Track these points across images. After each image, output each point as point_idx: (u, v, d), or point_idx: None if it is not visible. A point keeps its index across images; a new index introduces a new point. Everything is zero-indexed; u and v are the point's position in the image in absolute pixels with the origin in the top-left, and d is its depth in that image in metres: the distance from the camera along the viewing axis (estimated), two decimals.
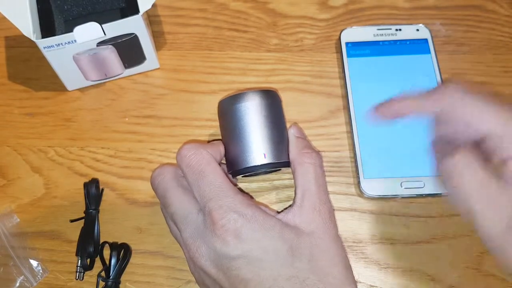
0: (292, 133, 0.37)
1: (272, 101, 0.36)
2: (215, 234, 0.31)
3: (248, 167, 0.35)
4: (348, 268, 0.33)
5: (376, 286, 0.37)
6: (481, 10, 0.49)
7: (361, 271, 0.38)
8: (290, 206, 0.34)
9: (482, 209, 0.28)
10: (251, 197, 0.40)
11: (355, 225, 0.39)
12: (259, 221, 0.31)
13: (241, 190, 0.40)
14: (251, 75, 0.46)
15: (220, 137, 0.39)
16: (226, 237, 0.30)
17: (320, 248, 0.32)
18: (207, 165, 0.33)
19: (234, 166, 0.36)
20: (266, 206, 0.39)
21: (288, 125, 0.38)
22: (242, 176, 0.38)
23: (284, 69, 0.46)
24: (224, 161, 0.37)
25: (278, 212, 0.34)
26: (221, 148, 0.36)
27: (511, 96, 0.44)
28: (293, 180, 0.40)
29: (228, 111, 0.36)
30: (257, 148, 0.35)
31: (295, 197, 0.34)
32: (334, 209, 0.37)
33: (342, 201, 0.40)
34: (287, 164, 0.36)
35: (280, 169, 0.38)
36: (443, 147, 0.32)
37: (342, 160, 0.42)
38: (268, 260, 0.31)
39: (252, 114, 0.36)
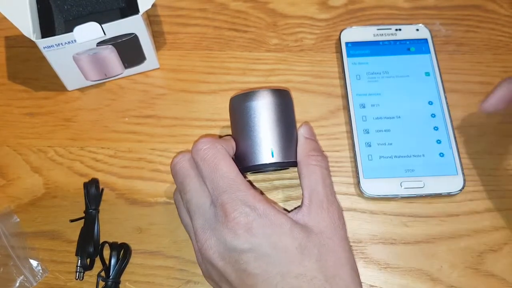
0: (301, 133, 0.37)
1: (283, 100, 0.37)
2: (226, 226, 0.31)
3: (256, 165, 0.35)
4: (355, 270, 0.33)
5: (376, 286, 0.37)
6: (481, 10, 0.49)
7: (361, 271, 0.38)
8: (299, 207, 0.34)
9: None
10: (262, 193, 0.40)
11: (355, 225, 0.39)
12: (270, 217, 0.31)
13: (252, 185, 0.40)
14: (251, 75, 0.46)
15: (220, 136, 0.39)
16: (237, 230, 0.30)
17: (328, 248, 0.32)
18: (221, 159, 0.33)
19: (243, 163, 0.36)
20: (275, 203, 0.40)
21: (298, 124, 0.38)
22: (250, 173, 0.38)
23: (284, 69, 0.46)
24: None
25: (288, 211, 0.34)
26: (233, 144, 0.36)
27: None
28: (293, 181, 0.41)
29: (239, 108, 0.37)
30: (266, 147, 0.35)
31: (303, 198, 0.34)
32: (343, 210, 0.37)
33: (342, 201, 0.40)
34: (295, 164, 0.36)
35: (288, 168, 0.39)
36: None
37: (342, 160, 0.42)
38: (277, 256, 0.31)
39: (263, 112, 0.36)
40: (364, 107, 0.42)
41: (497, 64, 0.46)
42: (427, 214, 0.39)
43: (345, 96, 0.43)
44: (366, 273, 0.38)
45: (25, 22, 0.39)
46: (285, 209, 0.39)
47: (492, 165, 0.41)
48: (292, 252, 0.31)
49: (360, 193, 0.40)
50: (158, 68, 0.46)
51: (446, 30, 0.47)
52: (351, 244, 0.39)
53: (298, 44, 0.47)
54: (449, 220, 0.39)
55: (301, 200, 0.34)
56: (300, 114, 0.44)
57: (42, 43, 0.38)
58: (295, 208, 0.34)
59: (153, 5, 0.39)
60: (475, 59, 0.46)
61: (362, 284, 0.37)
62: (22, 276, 0.38)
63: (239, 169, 0.36)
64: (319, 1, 0.49)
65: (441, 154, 0.40)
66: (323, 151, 0.38)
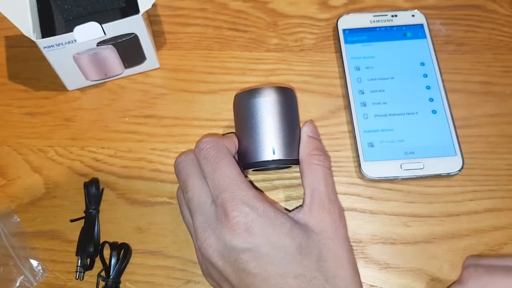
0: (305, 131, 0.37)
1: (286, 98, 0.37)
2: (226, 225, 0.31)
3: (258, 161, 0.35)
4: (356, 271, 0.33)
5: (376, 286, 0.37)
6: (481, 10, 0.49)
7: (361, 271, 0.38)
8: (300, 206, 0.34)
9: None
10: (263, 193, 0.40)
11: (355, 225, 0.39)
12: (270, 217, 0.31)
13: (253, 185, 0.41)
14: (251, 75, 0.46)
15: (225, 133, 0.39)
16: (237, 229, 0.31)
17: (328, 248, 0.32)
18: (223, 158, 0.33)
19: (245, 160, 0.36)
20: (276, 203, 0.40)
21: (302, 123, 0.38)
22: (252, 170, 0.38)
23: (284, 69, 0.46)
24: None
25: (289, 211, 0.34)
26: (235, 141, 0.36)
27: (511, 96, 0.44)
28: (293, 180, 0.41)
29: (242, 105, 0.37)
30: (268, 144, 0.35)
31: (304, 197, 0.34)
32: (344, 210, 0.37)
33: (342, 201, 0.40)
34: (297, 161, 0.36)
35: (290, 166, 0.39)
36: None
37: (342, 160, 0.42)
38: (276, 256, 0.31)
39: (266, 110, 0.36)
40: (363, 93, 0.43)
41: (497, 63, 0.46)
42: (427, 214, 0.39)
43: (343, 77, 0.44)
44: (366, 273, 0.38)
45: (25, 22, 0.39)
46: (286, 209, 0.39)
47: (492, 165, 0.41)
48: (291, 252, 0.31)
49: (362, 176, 0.40)
50: (158, 68, 0.46)
51: (446, 30, 0.47)
52: (351, 244, 0.39)
53: (298, 44, 0.47)
54: (449, 220, 0.39)
55: (301, 200, 0.34)
56: (300, 114, 0.43)
57: (42, 43, 0.38)
58: (296, 208, 0.34)
59: (153, 5, 0.39)
60: (476, 59, 0.46)
61: (362, 284, 0.37)
62: (23, 276, 0.38)
63: (241, 166, 0.36)
64: (319, 1, 0.49)
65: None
66: (326, 151, 0.38)
